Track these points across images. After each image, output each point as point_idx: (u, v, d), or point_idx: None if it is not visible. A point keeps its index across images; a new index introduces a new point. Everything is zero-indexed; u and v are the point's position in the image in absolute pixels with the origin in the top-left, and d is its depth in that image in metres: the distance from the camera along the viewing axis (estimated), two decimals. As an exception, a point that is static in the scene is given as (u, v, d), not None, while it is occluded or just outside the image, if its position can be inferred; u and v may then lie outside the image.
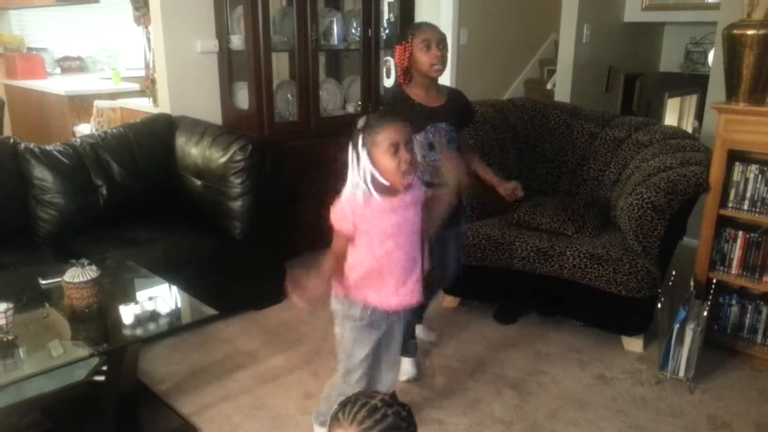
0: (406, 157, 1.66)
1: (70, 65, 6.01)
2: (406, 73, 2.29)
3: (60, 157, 2.96)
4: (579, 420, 2.36)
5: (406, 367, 2.54)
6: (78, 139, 3.16)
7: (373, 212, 1.71)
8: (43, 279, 2.31)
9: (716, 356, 2.74)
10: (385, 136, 1.65)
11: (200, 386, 2.53)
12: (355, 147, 1.68)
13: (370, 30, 3.81)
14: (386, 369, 2.03)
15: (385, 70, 4.22)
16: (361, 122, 1.70)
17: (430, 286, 2.47)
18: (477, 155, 2.59)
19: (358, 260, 1.78)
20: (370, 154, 1.66)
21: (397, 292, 1.81)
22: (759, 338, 2.75)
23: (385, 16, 4.06)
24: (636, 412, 2.41)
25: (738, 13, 2.61)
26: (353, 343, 1.88)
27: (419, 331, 2.69)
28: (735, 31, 2.56)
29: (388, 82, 4.26)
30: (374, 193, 1.69)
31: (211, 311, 2.20)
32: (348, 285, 1.81)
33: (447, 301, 3.19)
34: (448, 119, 2.33)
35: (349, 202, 1.71)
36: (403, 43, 2.25)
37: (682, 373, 2.54)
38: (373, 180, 1.68)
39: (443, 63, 2.24)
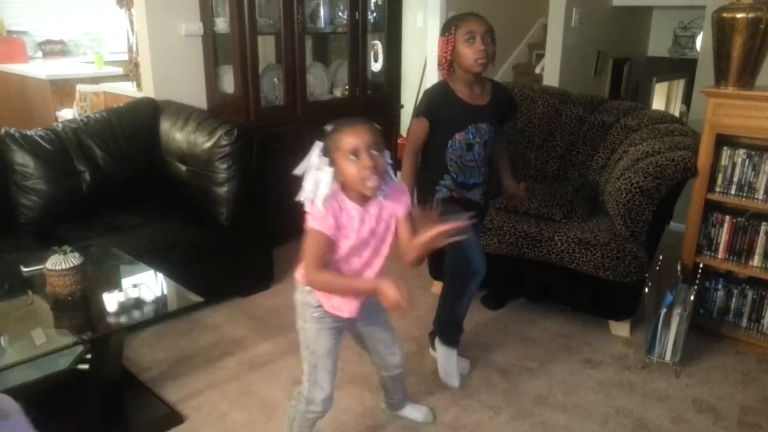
0: (368, 162, 1.57)
1: (52, 49, 5.92)
2: (449, 66, 2.17)
3: (42, 142, 2.90)
4: (566, 405, 2.37)
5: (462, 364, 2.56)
6: (60, 124, 3.10)
7: (346, 218, 1.65)
8: (25, 266, 2.27)
9: (702, 340, 2.76)
10: (345, 141, 1.57)
11: (187, 374, 2.51)
12: (324, 153, 1.61)
13: (357, 13, 3.76)
14: (386, 349, 1.97)
15: (372, 53, 4.18)
16: (329, 127, 1.63)
17: (457, 286, 2.40)
18: (506, 151, 2.50)
19: None
20: (334, 161, 1.60)
21: (346, 302, 1.75)
22: (744, 322, 2.78)
23: (373, -1, 4.01)
24: (623, 396, 2.43)
25: (727, -3, 2.60)
26: (315, 334, 1.79)
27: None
28: (724, 15, 2.55)
29: (376, 66, 4.22)
30: (345, 198, 1.64)
31: (197, 298, 2.18)
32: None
33: (435, 286, 3.18)
34: (490, 119, 2.25)
35: (328, 202, 1.62)
36: (447, 34, 2.13)
37: (668, 357, 2.55)
38: (342, 187, 1.64)
39: (488, 57, 2.10)
